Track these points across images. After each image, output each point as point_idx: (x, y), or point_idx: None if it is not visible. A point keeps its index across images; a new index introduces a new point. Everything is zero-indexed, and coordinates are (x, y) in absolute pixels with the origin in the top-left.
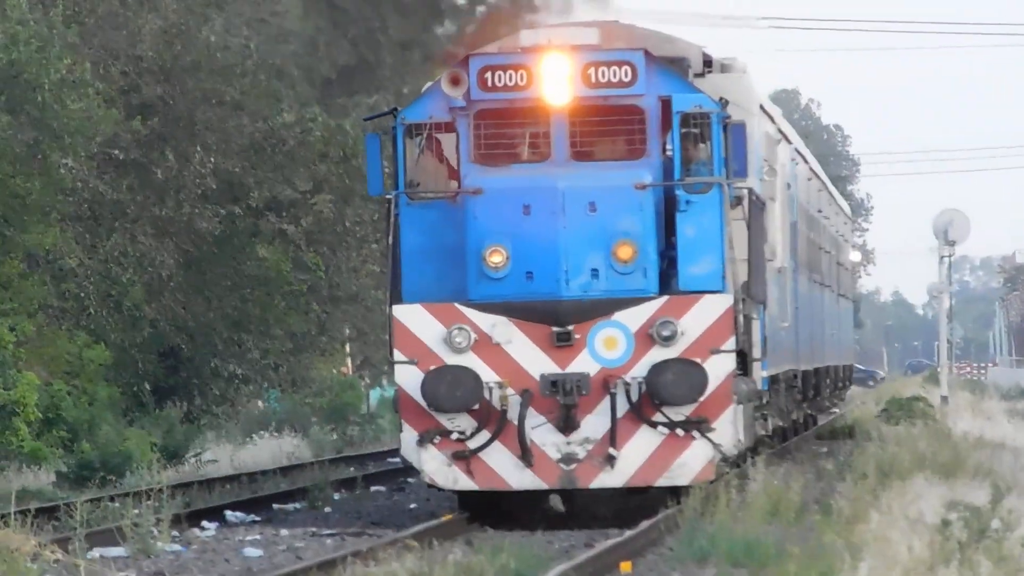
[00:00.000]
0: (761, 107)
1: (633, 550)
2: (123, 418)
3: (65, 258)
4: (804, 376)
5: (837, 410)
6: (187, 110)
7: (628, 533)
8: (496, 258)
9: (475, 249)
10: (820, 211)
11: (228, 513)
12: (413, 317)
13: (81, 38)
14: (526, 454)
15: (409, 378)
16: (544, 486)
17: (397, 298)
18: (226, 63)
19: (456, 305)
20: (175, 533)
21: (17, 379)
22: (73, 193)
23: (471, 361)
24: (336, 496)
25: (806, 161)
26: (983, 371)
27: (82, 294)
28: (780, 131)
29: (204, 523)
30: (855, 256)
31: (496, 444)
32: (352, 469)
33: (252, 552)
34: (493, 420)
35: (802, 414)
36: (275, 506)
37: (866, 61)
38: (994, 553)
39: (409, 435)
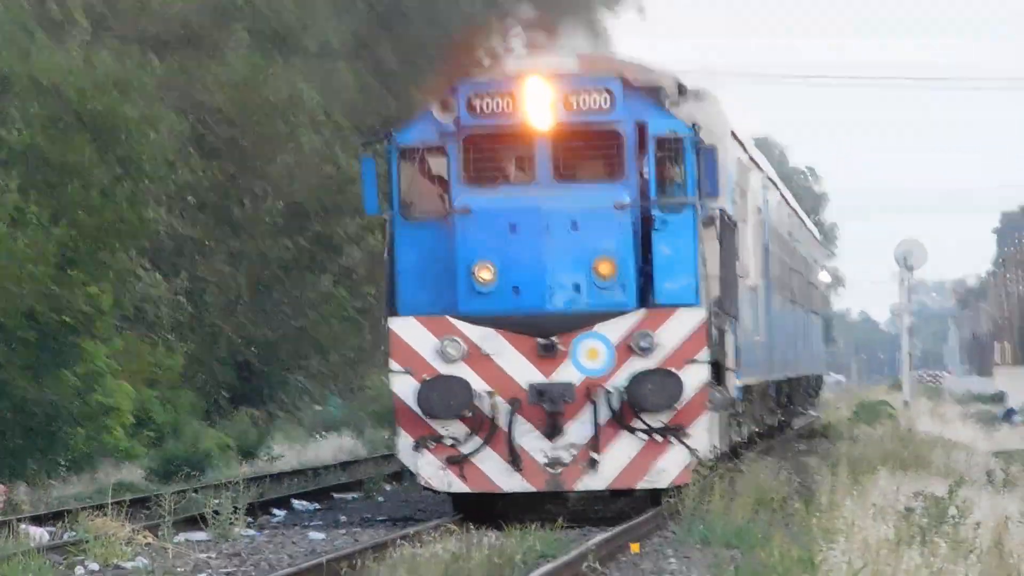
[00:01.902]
0: (733, 134)
1: (641, 534)
2: (204, 420)
3: (149, 287)
4: (777, 385)
5: (814, 413)
6: (255, 153)
7: (636, 519)
8: (485, 274)
9: (465, 265)
10: (791, 234)
11: (295, 502)
12: (408, 329)
13: (158, 86)
14: (515, 459)
15: (405, 387)
16: (532, 489)
17: (393, 311)
18: (288, 108)
19: (448, 318)
20: (249, 520)
21: (114, 388)
22: (155, 226)
23: (463, 371)
24: (388, 487)
25: (777, 187)
26: (940, 379)
27: (158, 315)
28: (751, 159)
29: (274, 511)
30: (825, 277)
31: (487, 449)
32: None
33: (316, 535)
34: (484, 427)
35: (776, 419)
36: (335, 496)
37: (837, 108)
38: (951, 536)
39: (405, 441)
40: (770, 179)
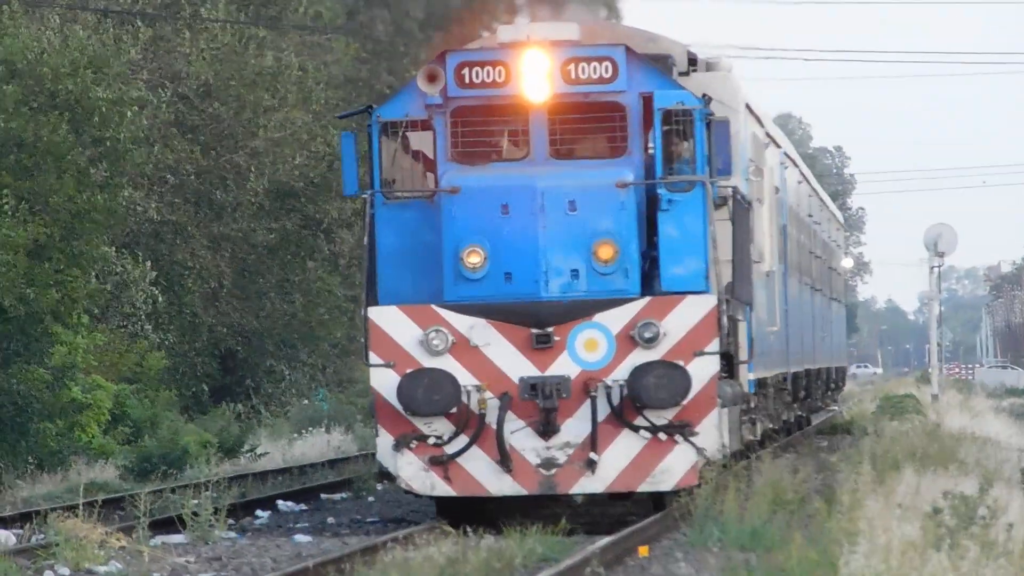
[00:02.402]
0: (748, 107)
1: (649, 536)
2: (182, 416)
3: (127, 271)
4: (795, 378)
5: (836, 407)
6: (238, 128)
7: (646, 520)
8: (474, 258)
9: (452, 249)
10: (811, 216)
11: (280, 502)
12: (389, 319)
13: (133, 63)
14: (505, 459)
15: (385, 381)
16: (524, 492)
17: (373, 300)
18: (273, 79)
19: (433, 307)
20: (231, 521)
21: (92, 384)
22: (133, 213)
23: (448, 364)
24: (379, 487)
25: (796, 166)
26: (971, 372)
27: (140, 304)
28: (768, 134)
29: (258, 512)
30: (847, 262)
31: (474, 449)
32: None
33: (302, 538)
34: (471, 424)
35: (793, 415)
36: (323, 496)
37: (866, 87)
38: (981, 538)
39: (385, 440)
40: (788, 156)
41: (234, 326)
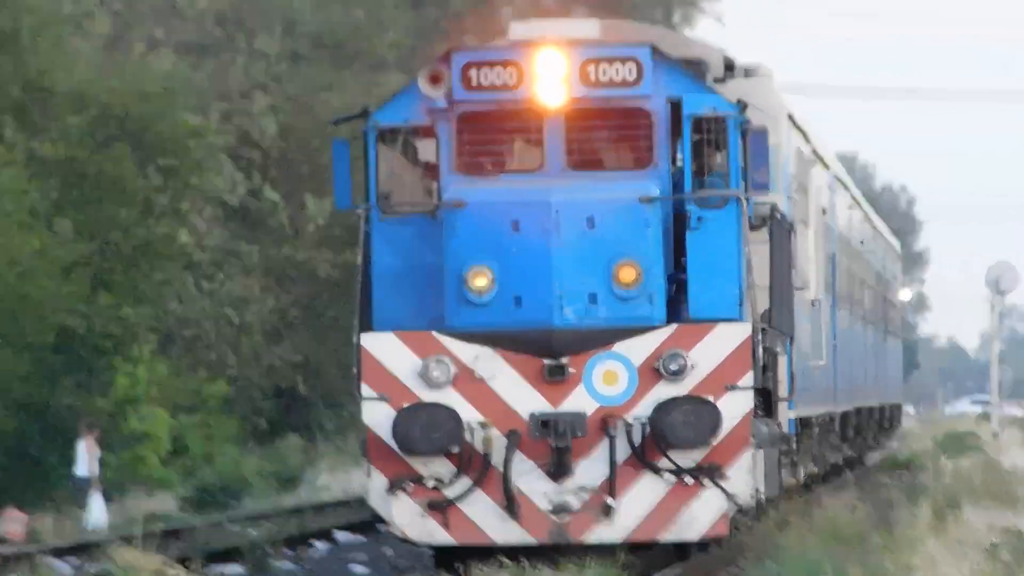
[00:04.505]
0: (791, 118)
1: (708, 569)
2: (242, 446)
3: (187, 305)
4: (843, 417)
5: (895, 444)
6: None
7: (702, 555)
8: (480, 281)
9: (456, 270)
10: (863, 243)
11: (337, 534)
12: (384, 347)
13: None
14: (511, 504)
15: (379, 417)
16: (532, 541)
17: (366, 326)
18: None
19: (434, 334)
20: (288, 552)
21: (151, 415)
22: (196, 243)
23: (450, 398)
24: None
25: (847, 188)
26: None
27: (197, 335)
28: (815, 151)
29: (316, 543)
30: (905, 294)
31: (477, 493)
32: None
33: (359, 569)
34: (474, 465)
35: (840, 457)
36: (381, 528)
37: (929, 123)
38: None
39: (378, 481)
40: (838, 178)
41: (296, 361)
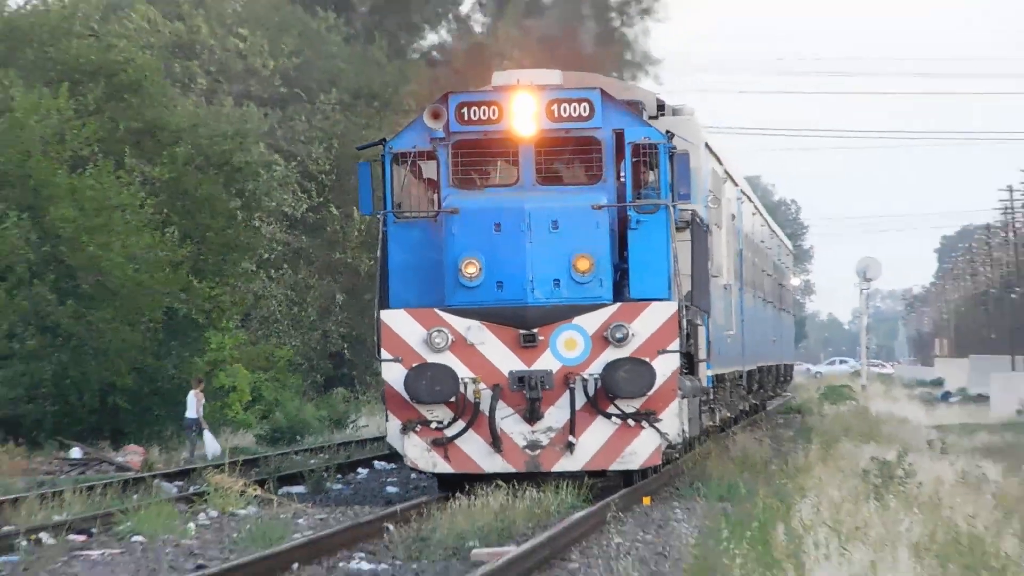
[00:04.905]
0: (707, 146)
1: (651, 490)
2: (303, 397)
3: (264, 286)
4: (749, 374)
5: (790, 394)
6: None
7: (649, 478)
8: (471, 269)
9: (452, 261)
10: (763, 242)
11: (376, 462)
12: (398, 320)
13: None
14: (496, 442)
15: (394, 374)
16: (512, 470)
17: (384, 304)
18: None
19: (436, 310)
20: (339, 476)
21: (235, 372)
22: (268, 244)
23: (449, 359)
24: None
25: (751, 200)
26: (892, 368)
27: (270, 313)
28: (727, 172)
29: (359, 470)
30: (795, 281)
31: (470, 433)
32: None
33: (392, 489)
34: (467, 411)
35: (747, 404)
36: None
37: (814, 152)
38: (899, 492)
39: (394, 424)
40: (744, 193)
41: (343, 332)
